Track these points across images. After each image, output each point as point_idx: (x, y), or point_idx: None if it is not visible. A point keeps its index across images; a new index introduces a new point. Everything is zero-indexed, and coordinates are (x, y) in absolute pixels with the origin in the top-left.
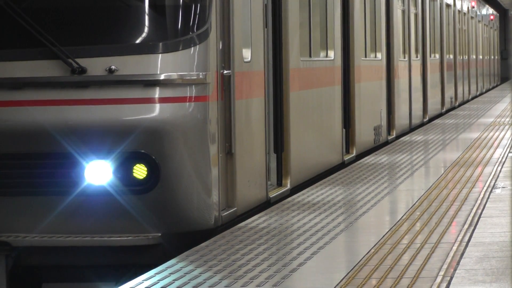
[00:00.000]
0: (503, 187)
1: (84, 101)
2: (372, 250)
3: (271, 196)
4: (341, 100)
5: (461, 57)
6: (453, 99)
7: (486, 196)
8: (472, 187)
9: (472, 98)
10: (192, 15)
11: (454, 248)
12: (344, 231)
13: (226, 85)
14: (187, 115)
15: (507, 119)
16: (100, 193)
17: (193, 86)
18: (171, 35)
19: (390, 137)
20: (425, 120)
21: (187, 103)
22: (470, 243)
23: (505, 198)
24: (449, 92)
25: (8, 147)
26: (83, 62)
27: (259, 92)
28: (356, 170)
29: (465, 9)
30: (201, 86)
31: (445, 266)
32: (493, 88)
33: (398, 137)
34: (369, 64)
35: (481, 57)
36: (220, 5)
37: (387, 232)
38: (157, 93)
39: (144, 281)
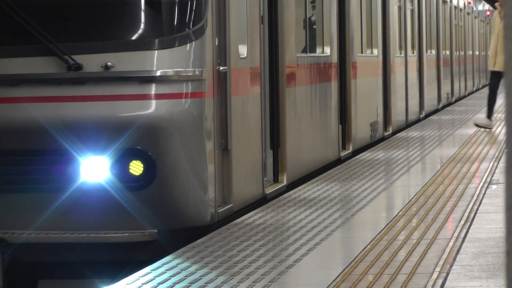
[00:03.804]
0: (499, 183)
1: (80, 98)
2: (369, 246)
3: (267, 192)
4: (338, 96)
5: (458, 53)
6: (450, 95)
7: (483, 192)
8: (469, 183)
9: (469, 94)
10: (188, 12)
11: (451, 244)
12: (341, 227)
13: (222, 82)
14: (183, 112)
15: (504, 115)
16: (96, 189)
17: (189, 82)
18: (167, 31)
19: (386, 133)
20: (421, 116)
21: (183, 100)
22: (466, 239)
23: (501, 194)
24: (446, 88)
25: (4, 143)
26: (79, 58)
27: (255, 89)
28: (352, 166)
29: (461, 5)
30: (197, 82)
31: (441, 262)
32: None
33: (394, 133)
34: (365, 60)
35: (477, 53)
36: (216, 2)
37: (384, 228)
38: (153, 89)
39: (141, 278)
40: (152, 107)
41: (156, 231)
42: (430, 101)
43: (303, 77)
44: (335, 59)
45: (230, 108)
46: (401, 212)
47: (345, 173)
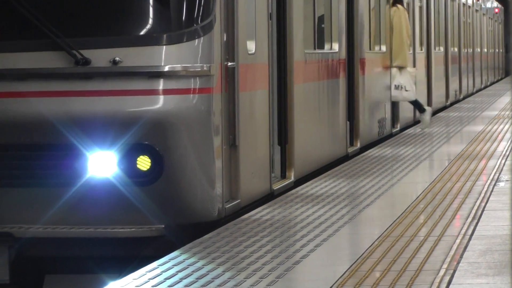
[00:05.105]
0: (506, 181)
1: (88, 93)
2: (376, 243)
3: (274, 188)
4: (346, 92)
5: (466, 50)
6: (458, 92)
7: (490, 189)
8: (476, 180)
9: (477, 91)
10: (196, 7)
11: (458, 241)
12: (348, 223)
13: (230, 77)
14: (191, 107)
15: (511, 113)
16: (104, 184)
17: (197, 78)
18: (175, 26)
19: (394, 130)
20: None
21: (191, 95)
22: (473, 236)
23: (509, 192)
24: (454, 85)
25: (12, 138)
26: (87, 53)
27: (263, 84)
28: (360, 163)
29: (470, 2)
30: (205, 78)
31: (448, 259)
32: (497, 81)
33: (402, 129)
34: (373, 57)
35: (485, 50)
36: None
37: (391, 224)
38: (161, 84)
39: (147, 273)
40: (160, 102)
41: (163, 226)
42: (438, 98)
43: (311, 73)
44: (343, 55)
45: (238, 104)
46: (408, 209)
47: (352, 170)
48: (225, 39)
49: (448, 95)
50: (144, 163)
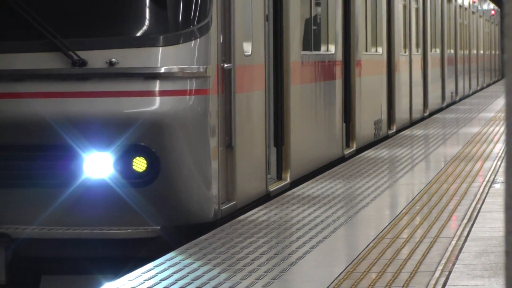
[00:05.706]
0: (502, 182)
1: (84, 94)
2: (372, 244)
3: (271, 190)
4: (342, 94)
5: (462, 52)
6: (454, 94)
7: (486, 190)
8: (472, 182)
9: (473, 93)
10: (193, 9)
11: (453, 242)
12: (344, 225)
13: (226, 79)
14: (187, 108)
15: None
16: (100, 185)
17: (194, 79)
18: (172, 28)
19: (390, 131)
20: (425, 114)
21: (188, 96)
22: (469, 238)
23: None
24: (450, 87)
25: (8, 138)
26: (84, 54)
27: (260, 86)
28: (356, 164)
29: (466, 4)
30: (202, 79)
31: (444, 261)
32: (494, 83)
33: (398, 131)
34: (370, 59)
35: (482, 52)
36: None
37: (387, 226)
38: (157, 86)
39: (143, 274)
40: (156, 103)
41: (159, 227)
42: (434, 99)
43: (308, 75)
44: (339, 57)
45: (234, 105)
46: (404, 210)
47: (348, 171)
48: (221, 41)
49: (444, 97)
50: (140, 164)
